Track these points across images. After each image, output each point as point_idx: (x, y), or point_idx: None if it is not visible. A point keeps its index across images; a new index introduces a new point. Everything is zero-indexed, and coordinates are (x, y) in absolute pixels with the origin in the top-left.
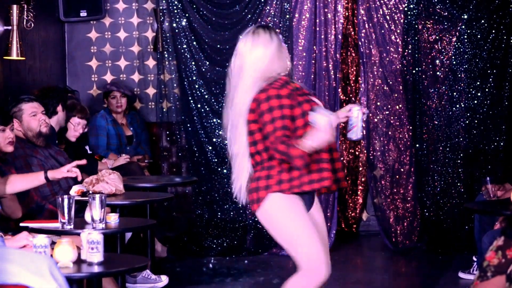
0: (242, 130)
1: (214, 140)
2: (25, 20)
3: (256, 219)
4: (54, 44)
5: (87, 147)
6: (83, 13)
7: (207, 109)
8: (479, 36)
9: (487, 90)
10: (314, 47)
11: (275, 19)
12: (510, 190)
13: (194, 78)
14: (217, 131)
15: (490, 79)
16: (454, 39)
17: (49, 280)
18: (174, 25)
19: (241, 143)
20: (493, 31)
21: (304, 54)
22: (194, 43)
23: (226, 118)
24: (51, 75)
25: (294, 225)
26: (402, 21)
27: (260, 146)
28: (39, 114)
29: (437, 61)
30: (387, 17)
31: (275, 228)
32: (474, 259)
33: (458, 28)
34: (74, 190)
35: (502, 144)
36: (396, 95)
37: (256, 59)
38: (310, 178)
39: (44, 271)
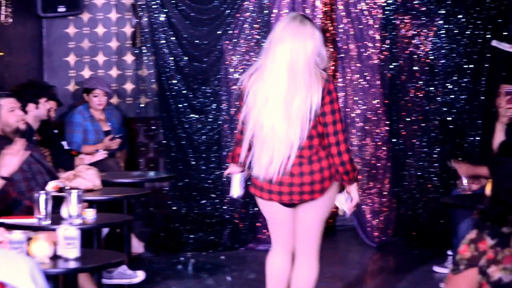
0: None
1: (192, 135)
2: (3, 15)
3: (233, 214)
4: (32, 40)
5: (64, 143)
6: (61, 9)
7: (185, 104)
8: (456, 31)
9: (463, 85)
10: None
11: (254, 14)
12: (486, 184)
13: (172, 73)
14: (194, 126)
15: (467, 74)
16: (431, 34)
17: (27, 281)
18: (153, 20)
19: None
20: (470, 26)
21: None
22: (173, 38)
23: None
24: (29, 71)
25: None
26: (380, 16)
27: (318, 138)
28: (17, 110)
29: (415, 56)
30: (365, 12)
31: (326, 211)
32: (449, 253)
33: (436, 23)
34: (51, 185)
35: (478, 138)
36: (373, 90)
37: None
38: None
39: (23, 272)
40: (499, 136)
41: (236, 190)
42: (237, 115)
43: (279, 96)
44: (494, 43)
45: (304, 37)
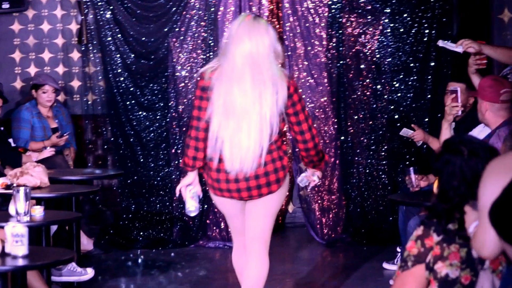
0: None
1: (140, 132)
2: None
3: (182, 211)
4: None
5: (10, 140)
6: (5, 5)
7: (133, 101)
8: (401, 30)
9: (410, 83)
10: None
11: (200, 12)
12: (434, 181)
13: (119, 70)
14: (142, 123)
15: (413, 73)
16: (377, 33)
17: None
18: (99, 17)
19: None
20: (415, 25)
21: None
22: (119, 35)
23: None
24: None
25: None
26: (326, 14)
27: (279, 135)
28: None
29: (361, 55)
30: (311, 10)
31: (278, 206)
32: (398, 250)
33: (381, 21)
34: None
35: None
36: (321, 88)
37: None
38: None
39: None
40: (445, 134)
41: (191, 204)
42: (193, 112)
43: (246, 93)
44: (440, 43)
45: (260, 33)
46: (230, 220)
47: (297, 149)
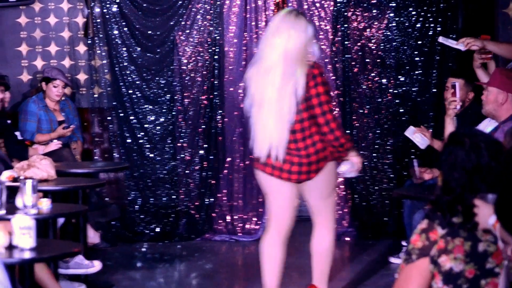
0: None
1: (146, 126)
2: None
3: (189, 204)
4: None
5: (17, 133)
6: None
7: (139, 95)
8: (406, 24)
9: (415, 77)
10: (245, 34)
11: (206, 6)
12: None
13: (125, 64)
14: (148, 116)
15: (418, 67)
16: (382, 27)
17: None
18: (105, 10)
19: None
20: (420, 19)
21: (235, 40)
22: (125, 29)
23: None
24: None
25: None
26: (331, 8)
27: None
28: None
29: (366, 49)
30: (317, 4)
31: (327, 188)
32: (403, 243)
33: (386, 16)
34: (5, 175)
35: (430, 130)
36: None
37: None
38: None
39: None
40: (448, 128)
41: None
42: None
43: (275, 83)
44: (441, 39)
45: (298, 30)
46: (274, 200)
47: None
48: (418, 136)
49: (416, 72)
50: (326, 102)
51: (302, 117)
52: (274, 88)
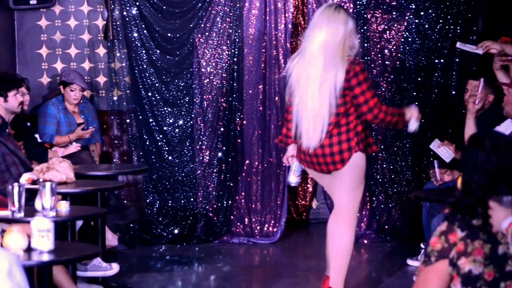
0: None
1: (165, 128)
2: None
3: (207, 207)
4: (4, 32)
5: (37, 135)
6: (33, 1)
7: (158, 97)
8: (426, 26)
9: (434, 79)
10: (264, 36)
11: (226, 8)
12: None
13: (144, 66)
14: (167, 119)
15: (438, 69)
16: (402, 29)
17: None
18: (125, 13)
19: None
20: (440, 21)
21: (255, 43)
22: (145, 31)
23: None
24: (0, 63)
25: None
26: (351, 10)
27: (344, 118)
28: None
29: (386, 51)
30: None
31: (351, 182)
32: (422, 246)
33: (406, 17)
34: (25, 178)
35: (450, 131)
36: None
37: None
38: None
39: (1, 268)
40: (469, 129)
41: (293, 178)
42: (286, 95)
43: (317, 74)
44: (459, 45)
45: (336, 23)
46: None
47: None
48: (443, 149)
49: (436, 74)
50: (368, 89)
51: (338, 111)
52: (316, 80)
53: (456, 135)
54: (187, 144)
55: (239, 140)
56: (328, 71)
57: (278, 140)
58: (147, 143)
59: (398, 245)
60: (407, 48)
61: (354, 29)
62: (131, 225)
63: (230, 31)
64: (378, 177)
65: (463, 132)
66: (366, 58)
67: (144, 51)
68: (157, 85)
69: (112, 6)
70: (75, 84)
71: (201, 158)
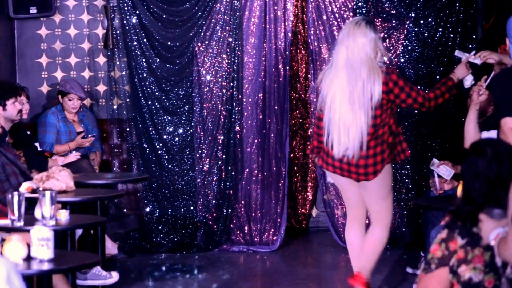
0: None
1: (165, 137)
2: None
3: (207, 215)
4: (4, 41)
5: (37, 144)
6: (33, 10)
7: (158, 106)
8: (426, 35)
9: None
10: (264, 44)
11: (225, 17)
12: (458, 185)
13: (144, 75)
14: (167, 127)
15: (437, 77)
16: (402, 37)
17: (1, 284)
18: (125, 22)
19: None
20: (440, 29)
21: (254, 51)
22: (145, 40)
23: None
24: (0, 72)
25: None
26: (351, 19)
27: (381, 129)
28: None
29: (386, 59)
30: (336, 15)
31: (380, 192)
32: (422, 254)
33: (406, 26)
34: (24, 187)
35: (448, 140)
36: None
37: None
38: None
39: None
40: (469, 121)
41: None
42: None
43: (343, 88)
44: (457, 53)
45: (356, 36)
46: (343, 192)
47: None
48: (442, 168)
49: (436, 82)
50: (410, 88)
51: (375, 122)
52: (342, 93)
53: (455, 142)
54: (187, 152)
55: (239, 149)
56: (354, 85)
57: (310, 151)
58: (147, 151)
59: (398, 253)
60: (407, 56)
61: (378, 39)
62: (131, 233)
63: (230, 39)
64: None
65: (462, 138)
66: None
67: (144, 60)
68: (157, 93)
69: (112, 15)
70: (72, 93)
71: (201, 166)
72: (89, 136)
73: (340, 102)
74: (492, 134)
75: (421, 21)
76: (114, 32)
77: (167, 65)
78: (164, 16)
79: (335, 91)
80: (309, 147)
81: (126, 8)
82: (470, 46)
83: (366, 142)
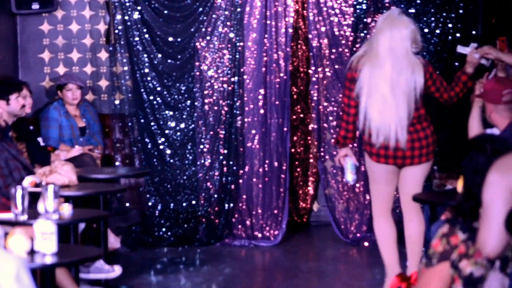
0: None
1: (167, 132)
2: None
3: (209, 210)
4: (6, 37)
5: (39, 139)
6: (35, 6)
7: (160, 101)
8: (426, 30)
9: None
10: (265, 40)
11: (226, 12)
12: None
13: (146, 70)
14: (169, 122)
15: (438, 73)
16: None
17: (10, 281)
18: (126, 17)
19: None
20: (440, 25)
21: (255, 46)
22: (146, 35)
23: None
24: (3, 68)
25: None
26: (351, 14)
27: (423, 111)
28: None
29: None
30: (337, 10)
31: (424, 176)
32: (423, 249)
33: None
34: (27, 181)
35: (450, 135)
36: None
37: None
38: None
39: (8, 271)
40: (472, 118)
41: (350, 176)
42: (343, 97)
43: (386, 77)
44: (459, 48)
45: (398, 27)
46: (378, 185)
47: None
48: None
49: None
50: (442, 80)
51: (419, 113)
52: (386, 83)
53: (458, 137)
54: (189, 147)
55: (240, 143)
56: (399, 75)
57: (336, 141)
58: (149, 146)
59: (399, 247)
60: None
61: (417, 31)
62: (133, 227)
63: (231, 35)
64: None
65: (463, 132)
66: None
67: (145, 55)
68: (158, 89)
69: (114, 11)
70: (70, 83)
71: (202, 161)
72: (96, 152)
73: (383, 90)
74: (496, 131)
75: (421, 17)
76: (116, 28)
77: (169, 61)
78: (166, 11)
79: (378, 79)
80: (334, 139)
81: (127, 4)
82: (470, 42)
83: (407, 128)
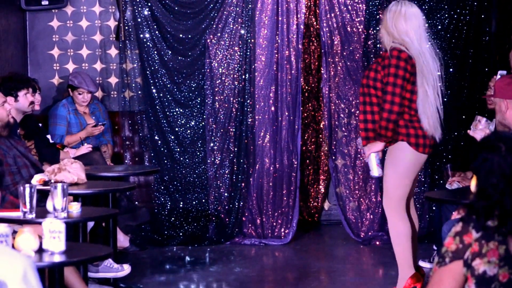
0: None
1: (177, 129)
2: None
3: (219, 208)
4: (16, 33)
5: (49, 136)
6: (45, 2)
7: (170, 98)
8: (439, 27)
9: (447, 80)
10: (277, 36)
11: (237, 9)
12: (471, 179)
13: (156, 67)
14: (179, 120)
15: (450, 70)
16: None
17: (17, 281)
18: (136, 14)
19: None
20: (453, 21)
21: (266, 43)
22: (157, 32)
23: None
24: (12, 64)
25: None
26: (363, 11)
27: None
28: (6, 104)
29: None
30: (349, 7)
31: None
32: (434, 248)
33: None
34: (36, 179)
35: (462, 133)
36: (358, 85)
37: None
38: None
39: (15, 271)
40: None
41: (376, 170)
42: (396, 89)
43: (429, 69)
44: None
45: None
46: (409, 180)
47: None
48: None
49: (449, 75)
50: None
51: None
52: (430, 74)
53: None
54: (199, 145)
55: (251, 141)
56: (432, 66)
57: (379, 135)
58: (159, 144)
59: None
60: None
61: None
62: (143, 226)
63: (242, 32)
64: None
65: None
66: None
67: (156, 52)
68: (168, 86)
69: (124, 7)
70: (81, 88)
71: (212, 159)
72: (99, 124)
73: (430, 84)
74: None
75: (435, 13)
76: (126, 24)
77: (179, 57)
78: (176, 8)
79: (426, 71)
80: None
81: (138, 0)
82: (484, 38)
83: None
